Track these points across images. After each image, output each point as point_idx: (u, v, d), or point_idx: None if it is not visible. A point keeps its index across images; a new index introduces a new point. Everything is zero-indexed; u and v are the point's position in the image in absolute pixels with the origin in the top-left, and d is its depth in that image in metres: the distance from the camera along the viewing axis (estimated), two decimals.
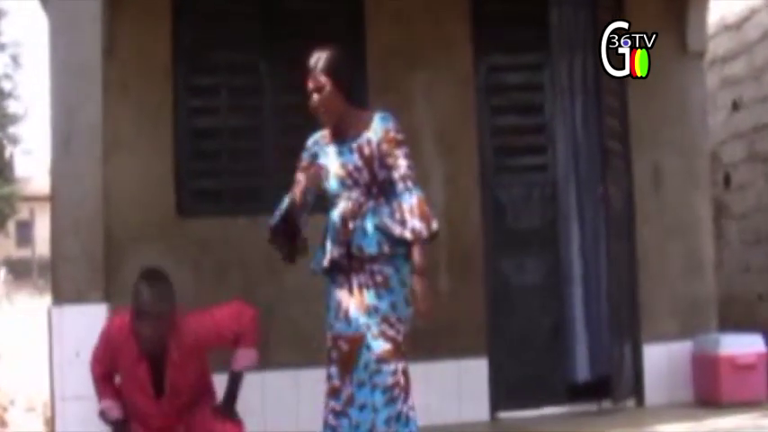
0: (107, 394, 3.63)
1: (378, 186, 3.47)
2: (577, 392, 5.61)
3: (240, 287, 5.17)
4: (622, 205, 5.62)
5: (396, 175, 3.43)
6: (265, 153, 5.35)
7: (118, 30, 5.10)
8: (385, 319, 3.39)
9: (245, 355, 3.72)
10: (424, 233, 3.37)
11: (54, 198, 4.02)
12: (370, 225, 3.43)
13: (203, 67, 5.36)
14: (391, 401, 3.34)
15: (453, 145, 5.54)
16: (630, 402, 5.59)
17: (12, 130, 29.73)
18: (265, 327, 5.04)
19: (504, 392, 5.45)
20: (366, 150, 3.45)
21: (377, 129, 3.47)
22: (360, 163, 3.46)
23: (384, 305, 3.40)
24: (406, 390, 3.38)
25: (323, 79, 3.47)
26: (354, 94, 3.59)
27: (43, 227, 18.42)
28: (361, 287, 3.43)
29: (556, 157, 5.70)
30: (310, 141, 3.65)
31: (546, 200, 5.64)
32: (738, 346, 5.46)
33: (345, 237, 3.45)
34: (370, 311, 3.39)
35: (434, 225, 3.40)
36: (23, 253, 28.85)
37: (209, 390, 3.80)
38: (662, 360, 5.63)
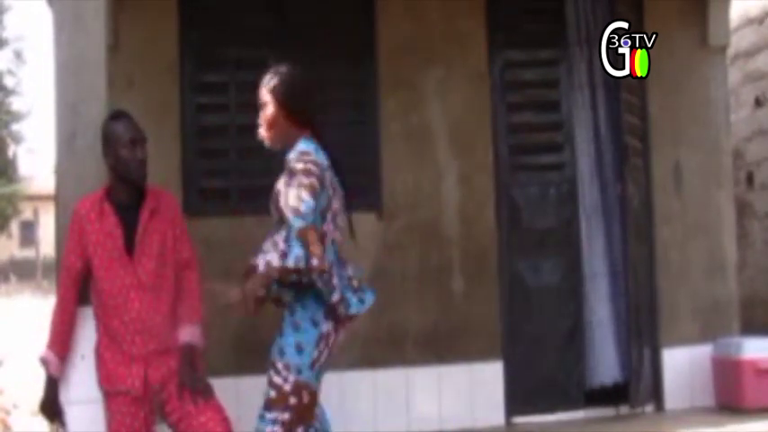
0: (57, 338, 3.45)
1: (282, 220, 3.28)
2: (595, 397, 5.53)
3: None
4: (642, 204, 5.54)
5: (281, 204, 3.26)
6: (274, 151, 5.12)
7: (123, 25, 5.01)
8: (272, 365, 3.24)
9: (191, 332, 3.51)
10: (274, 263, 3.10)
11: (58, 197, 3.89)
12: (261, 262, 3.22)
13: (210, 62, 5.26)
14: None
15: (468, 143, 5.44)
16: (649, 407, 5.51)
17: (15, 127, 29.66)
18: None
19: (520, 397, 5.36)
20: (277, 182, 3.34)
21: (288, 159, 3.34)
22: (273, 193, 3.34)
23: (274, 349, 3.25)
24: None
25: (266, 97, 3.42)
26: (304, 120, 3.41)
27: (47, 226, 18.39)
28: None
29: (573, 155, 5.61)
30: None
31: (563, 199, 5.53)
32: (761, 349, 5.36)
33: None
34: (271, 353, 3.28)
35: (290, 262, 3.06)
36: (27, 253, 28.81)
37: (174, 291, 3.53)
38: (682, 364, 5.55)
